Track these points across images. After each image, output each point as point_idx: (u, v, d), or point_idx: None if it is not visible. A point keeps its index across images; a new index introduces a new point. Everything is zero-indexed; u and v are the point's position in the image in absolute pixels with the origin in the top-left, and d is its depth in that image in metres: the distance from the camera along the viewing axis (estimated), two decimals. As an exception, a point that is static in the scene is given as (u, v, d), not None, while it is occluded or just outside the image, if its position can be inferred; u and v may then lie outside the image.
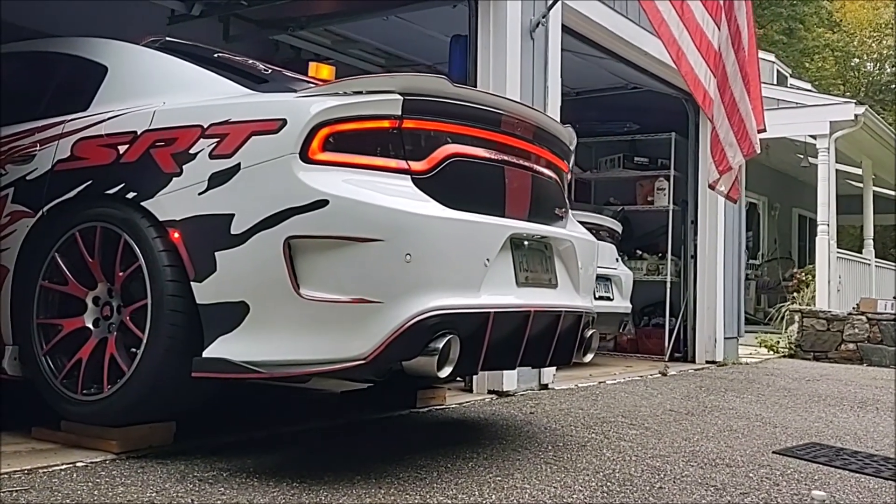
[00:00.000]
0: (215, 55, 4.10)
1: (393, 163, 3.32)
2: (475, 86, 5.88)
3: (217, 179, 3.27)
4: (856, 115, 12.42)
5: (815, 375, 8.61)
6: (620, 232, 8.55)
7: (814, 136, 12.85)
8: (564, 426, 4.82)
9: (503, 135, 3.76)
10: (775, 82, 18.91)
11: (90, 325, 3.58)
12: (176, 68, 3.82)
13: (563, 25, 6.52)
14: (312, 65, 9.29)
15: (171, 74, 3.81)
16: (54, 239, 3.63)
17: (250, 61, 4.10)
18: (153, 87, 3.76)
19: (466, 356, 3.38)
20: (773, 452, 4.50)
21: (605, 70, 8.37)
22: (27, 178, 3.75)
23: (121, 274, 3.48)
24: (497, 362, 3.77)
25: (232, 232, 3.21)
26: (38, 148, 3.76)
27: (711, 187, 5.87)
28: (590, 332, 4.24)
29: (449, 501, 3.19)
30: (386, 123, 3.31)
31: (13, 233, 3.73)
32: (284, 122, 3.22)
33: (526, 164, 3.90)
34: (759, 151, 5.53)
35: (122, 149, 3.51)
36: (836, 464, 4.34)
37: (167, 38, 4.19)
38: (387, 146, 3.32)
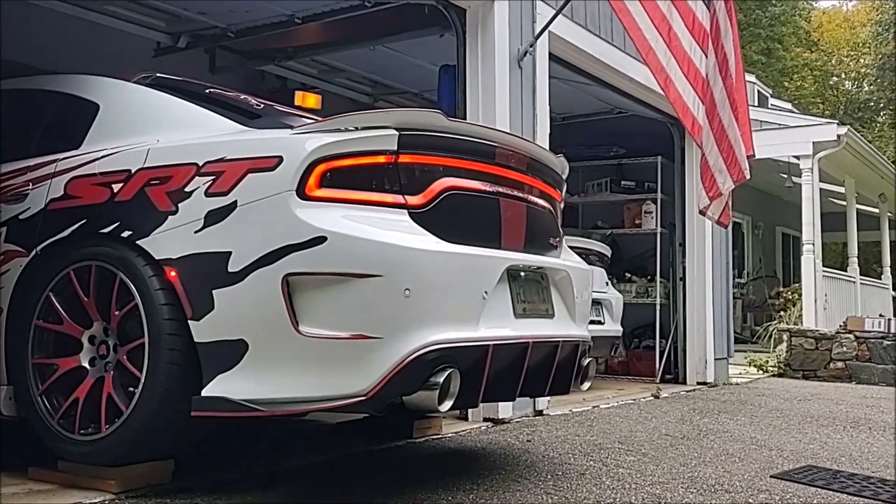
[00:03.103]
0: (207, 91, 4.10)
1: (390, 197, 3.32)
2: (465, 115, 5.92)
3: (213, 217, 3.26)
4: (838, 136, 12.53)
5: (806, 395, 8.63)
6: (609, 255, 8.57)
7: (797, 157, 12.94)
8: (562, 454, 4.80)
9: (497, 167, 3.77)
10: (756, 103, 19.07)
11: (86, 365, 3.55)
12: (168, 105, 3.82)
13: (550, 54, 6.56)
14: (299, 94, 9.30)
15: (163, 111, 3.80)
16: (48, 278, 3.60)
17: (242, 96, 4.10)
18: (146, 125, 3.75)
19: (467, 389, 3.37)
20: (772, 476, 4.50)
21: (591, 96, 8.43)
22: (20, 217, 3.73)
23: (117, 313, 3.46)
24: (497, 394, 3.76)
25: (229, 270, 3.20)
26: (30, 187, 3.74)
27: (702, 213, 5.90)
28: (587, 361, 4.24)
29: (452, 536, 3.18)
30: (382, 159, 3.32)
31: (7, 272, 3.70)
32: (281, 159, 3.22)
33: (520, 195, 3.91)
34: (748, 177, 5.57)
35: (116, 187, 3.50)
36: (834, 487, 4.35)
37: (158, 75, 4.18)
38: (383, 181, 3.33)
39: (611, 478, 4.28)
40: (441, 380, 3.22)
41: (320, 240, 3.12)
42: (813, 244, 12.74)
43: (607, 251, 8.46)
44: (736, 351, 11.31)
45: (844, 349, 10.54)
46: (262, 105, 4.02)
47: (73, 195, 3.61)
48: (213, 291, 3.23)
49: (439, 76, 6.18)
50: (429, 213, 3.39)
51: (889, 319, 10.51)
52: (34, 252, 3.65)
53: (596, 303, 7.89)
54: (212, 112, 3.75)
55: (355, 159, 3.28)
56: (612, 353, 8.45)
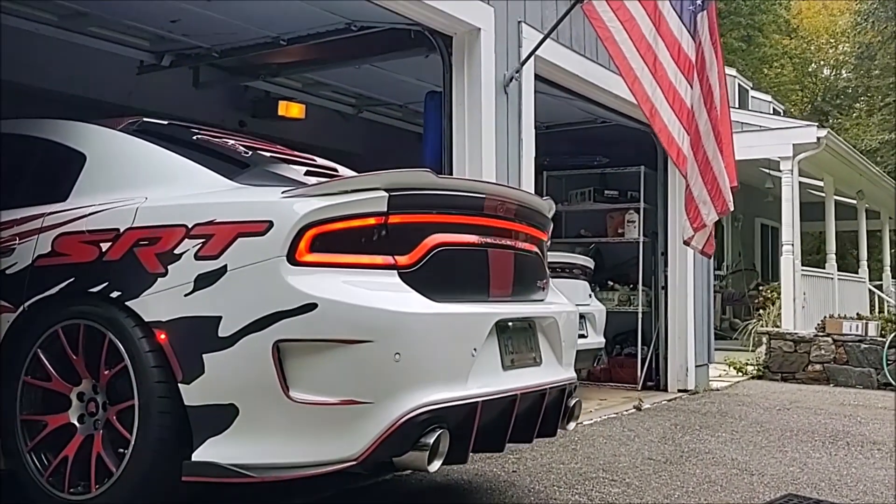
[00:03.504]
0: (193, 137, 4.09)
1: (379, 259, 3.35)
2: (451, 142, 5.95)
3: (203, 281, 3.27)
4: (818, 138, 12.62)
5: (785, 402, 8.74)
6: (593, 267, 8.61)
7: (777, 160, 13.03)
8: (548, 486, 4.85)
9: (486, 217, 3.80)
10: (737, 96, 19.18)
11: (75, 422, 3.55)
12: (155, 158, 3.82)
13: (536, 75, 6.58)
14: (282, 104, 9.31)
15: (150, 165, 3.80)
16: (36, 335, 3.60)
17: (230, 142, 4.09)
18: (133, 179, 3.75)
19: (456, 447, 3.41)
20: (754, 509, 4.58)
21: (574, 107, 8.45)
22: (7, 271, 3.72)
23: (106, 372, 3.46)
24: (485, 446, 3.80)
25: (220, 335, 3.22)
26: (17, 241, 3.73)
27: (686, 243, 5.95)
28: (573, 402, 4.29)
29: None
30: (372, 220, 3.33)
31: (-6, 327, 3.70)
32: (271, 224, 3.23)
33: (508, 242, 3.94)
34: (732, 209, 5.63)
35: (104, 246, 3.49)
36: (816, 520, 4.44)
37: (144, 120, 4.17)
38: (373, 243, 3.35)
39: (596, 515, 4.34)
40: (431, 441, 3.26)
41: (311, 307, 3.14)
42: (792, 245, 12.84)
43: (590, 264, 8.51)
44: (716, 349, 11.43)
45: (822, 352, 10.68)
46: (250, 153, 4.01)
47: (60, 252, 3.61)
48: (204, 355, 3.24)
49: (425, 103, 6.19)
50: (418, 272, 3.41)
51: (866, 323, 10.65)
52: (22, 308, 3.64)
53: (580, 317, 7.94)
54: (199, 165, 3.74)
55: (346, 222, 3.30)
56: (595, 364, 8.52)
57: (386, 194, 3.35)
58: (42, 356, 3.60)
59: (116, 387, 3.45)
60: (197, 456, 3.24)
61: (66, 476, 3.50)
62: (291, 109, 8.80)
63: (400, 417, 3.18)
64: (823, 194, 15.60)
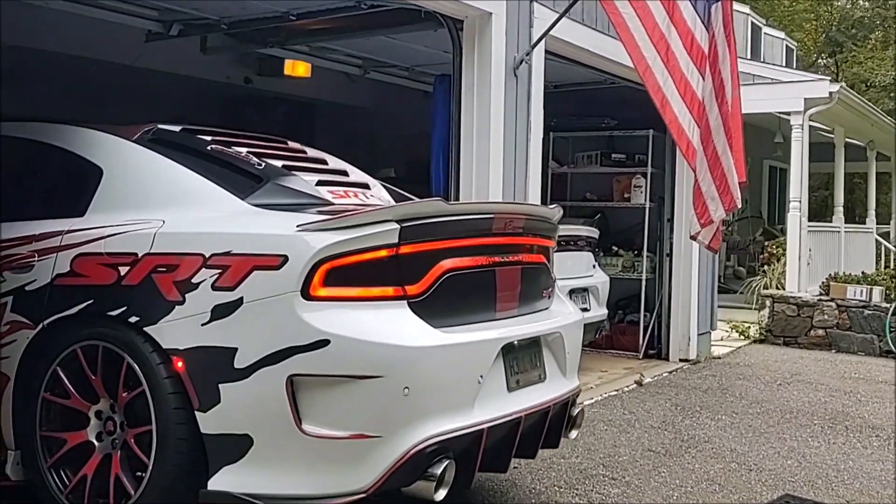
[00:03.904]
0: (208, 148, 4.10)
1: (390, 290, 3.41)
2: (458, 126, 5.94)
3: (220, 312, 3.34)
4: (830, 93, 12.49)
5: (786, 375, 8.85)
6: (598, 237, 8.66)
7: (788, 113, 12.93)
8: (548, 486, 4.98)
9: (494, 236, 3.86)
10: (749, 34, 18.93)
11: (93, 440, 3.66)
12: (172, 176, 3.85)
13: (546, 51, 6.53)
14: (288, 63, 9.27)
15: (167, 183, 3.84)
16: (55, 353, 3.69)
17: (243, 153, 4.11)
18: (150, 198, 3.79)
19: (461, 474, 3.52)
20: (750, 513, 4.72)
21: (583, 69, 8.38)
22: (26, 288, 3.79)
23: (124, 395, 3.55)
24: (489, 468, 3.92)
25: (235, 366, 3.30)
26: (36, 258, 3.79)
27: (693, 238, 5.98)
28: (576, 411, 4.39)
29: None
30: (384, 252, 3.39)
31: (13, 342, 3.78)
32: (286, 258, 3.29)
33: (515, 258, 4.01)
34: (739, 206, 5.64)
35: (123, 270, 3.55)
36: (810, 526, 4.57)
37: (159, 127, 4.18)
38: (384, 274, 3.41)
39: (596, 520, 4.47)
40: (438, 471, 3.38)
41: (323, 343, 3.22)
42: (800, 201, 12.82)
43: (595, 234, 8.55)
44: (720, 306, 11.52)
45: (826, 317, 10.77)
46: (263, 164, 4.04)
47: (79, 273, 3.67)
48: (220, 385, 3.33)
49: (434, 87, 6.17)
50: (427, 300, 3.48)
51: (871, 288, 10.71)
52: (41, 326, 3.72)
53: (583, 290, 8.04)
54: (215, 185, 3.78)
55: (358, 256, 3.35)
56: (597, 335, 8.62)
57: (398, 226, 3.40)
58: (61, 374, 3.69)
59: (135, 409, 3.54)
60: (213, 484, 3.36)
61: (85, 495, 3.61)
62: (297, 68, 8.76)
63: (408, 451, 3.28)
64: (833, 135, 15.51)
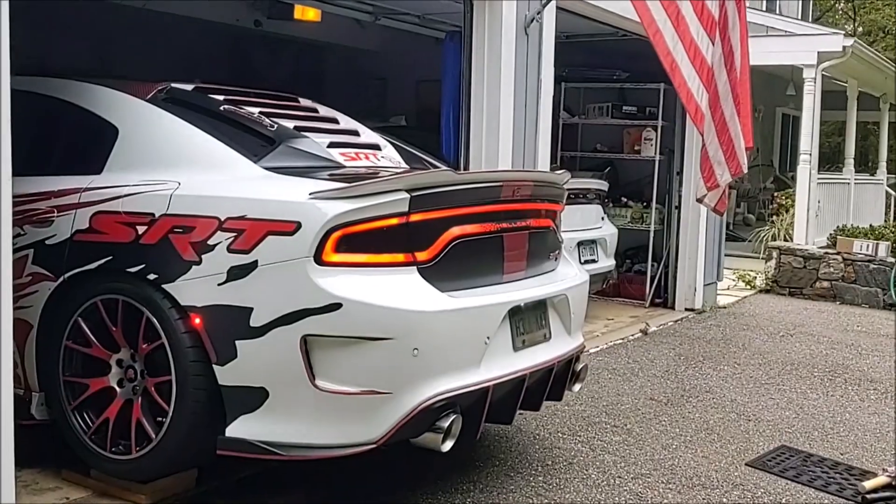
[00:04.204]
0: (220, 108, 4.19)
1: (400, 257, 3.53)
2: (469, 85, 6.00)
3: (235, 273, 3.47)
4: (844, 47, 12.41)
5: (789, 326, 8.98)
6: (607, 189, 8.74)
7: (801, 66, 12.87)
8: (552, 432, 5.16)
9: (502, 203, 3.95)
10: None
11: (115, 386, 3.83)
12: (185, 137, 3.95)
13: (557, 7, 6.55)
14: (298, 7, 9.28)
15: (181, 144, 3.94)
16: (76, 304, 3.84)
17: (255, 113, 4.20)
18: (164, 159, 3.90)
19: (467, 427, 3.68)
20: (746, 465, 4.88)
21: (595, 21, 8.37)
22: (46, 242, 3.92)
23: (144, 346, 3.71)
24: (494, 420, 4.08)
25: (251, 324, 3.44)
26: (55, 214, 3.91)
27: (699, 201, 6.07)
28: (580, 367, 4.53)
29: (451, 561, 3.55)
30: (394, 221, 3.50)
31: (35, 293, 3.92)
32: (299, 225, 3.40)
33: (523, 223, 4.11)
34: (746, 171, 5.70)
35: (140, 229, 3.68)
36: (803, 480, 4.73)
37: (172, 86, 4.27)
38: (394, 242, 3.52)
39: (597, 469, 4.65)
40: (446, 424, 3.54)
41: (336, 306, 3.35)
42: (810, 154, 12.83)
43: (604, 186, 8.63)
44: (727, 254, 11.61)
45: (831, 269, 10.86)
46: (275, 126, 4.13)
47: (98, 230, 3.79)
48: (237, 342, 3.47)
49: (444, 46, 6.20)
50: (436, 266, 3.60)
51: (877, 243, 10.78)
52: (62, 278, 3.86)
53: (591, 241, 8.15)
54: (228, 148, 3.87)
55: (370, 224, 3.46)
56: (604, 285, 8.75)
57: (408, 196, 3.51)
58: (83, 324, 3.84)
59: (154, 360, 3.70)
60: (230, 432, 3.53)
61: (108, 435, 3.79)
62: (307, 13, 8.78)
63: (417, 406, 3.43)
64: (846, 84, 15.42)
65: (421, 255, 3.57)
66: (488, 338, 3.70)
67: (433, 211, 3.60)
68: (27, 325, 3.95)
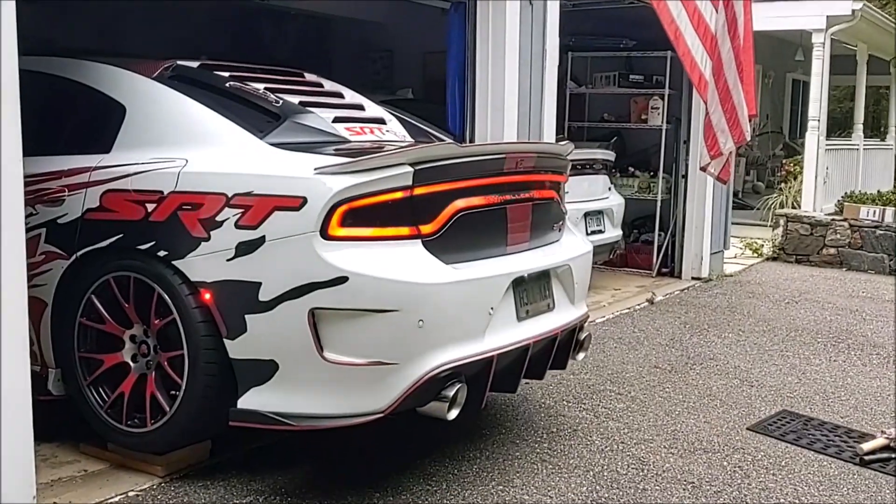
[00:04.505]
0: (226, 85, 4.25)
1: (405, 230, 3.60)
2: (474, 55, 6.04)
3: (243, 249, 3.55)
4: (853, 11, 12.34)
5: (795, 293, 9.04)
6: (613, 159, 8.77)
7: (809, 31, 12.81)
8: (557, 401, 5.26)
9: (505, 175, 4.01)
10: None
11: (129, 361, 3.93)
12: (192, 114, 4.01)
13: (562, -24, 6.57)
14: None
15: (187, 122, 4.00)
16: (89, 282, 3.93)
17: (261, 90, 4.26)
18: (172, 136, 3.96)
19: (472, 396, 3.77)
20: (747, 429, 4.97)
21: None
22: (58, 220, 4.00)
23: (156, 322, 3.80)
24: (499, 389, 4.17)
25: (260, 299, 3.53)
26: (66, 193, 3.99)
27: (703, 170, 6.11)
28: (584, 336, 4.61)
29: (458, 524, 3.66)
30: (399, 194, 3.56)
31: (48, 271, 4.01)
32: (305, 200, 3.47)
33: (527, 195, 4.17)
34: (749, 139, 5.73)
35: (150, 207, 3.76)
36: (803, 443, 4.81)
37: (178, 63, 4.33)
38: (399, 215, 3.59)
39: (600, 435, 4.74)
40: (451, 393, 3.63)
41: (342, 279, 3.43)
42: (818, 120, 12.80)
43: (611, 157, 8.66)
44: (735, 223, 11.63)
45: (838, 236, 10.89)
46: (280, 101, 4.19)
47: (109, 208, 3.88)
48: (246, 316, 3.56)
49: (449, 16, 6.22)
50: (440, 239, 3.67)
51: (883, 209, 10.79)
52: (74, 256, 3.95)
53: (598, 212, 8.21)
54: (234, 124, 3.94)
55: (374, 198, 3.53)
56: (611, 256, 8.81)
57: (411, 169, 3.57)
58: (95, 301, 3.94)
59: (167, 335, 3.80)
60: (242, 403, 3.63)
61: (123, 410, 3.90)
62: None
63: (423, 376, 3.52)
64: (856, 48, 15.34)
65: (425, 228, 3.64)
66: (492, 308, 3.78)
67: (437, 184, 3.67)
68: (42, 303, 4.05)
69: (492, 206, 3.94)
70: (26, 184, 3.85)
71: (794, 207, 12.37)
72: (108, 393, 3.96)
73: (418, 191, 3.60)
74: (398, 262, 3.52)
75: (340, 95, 4.82)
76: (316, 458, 4.27)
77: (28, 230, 3.95)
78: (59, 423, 4.19)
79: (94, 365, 3.98)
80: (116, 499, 3.71)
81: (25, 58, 4.36)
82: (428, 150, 3.69)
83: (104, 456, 4.04)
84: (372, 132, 4.41)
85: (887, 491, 4.25)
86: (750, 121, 5.63)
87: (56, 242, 4.01)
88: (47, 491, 3.70)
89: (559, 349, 4.34)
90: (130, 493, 3.75)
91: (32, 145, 4.05)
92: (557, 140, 6.72)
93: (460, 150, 3.77)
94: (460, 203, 3.76)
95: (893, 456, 4.62)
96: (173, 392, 3.78)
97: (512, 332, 3.93)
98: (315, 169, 3.54)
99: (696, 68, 5.57)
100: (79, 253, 3.94)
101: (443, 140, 4.80)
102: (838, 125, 20.80)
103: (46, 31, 6.42)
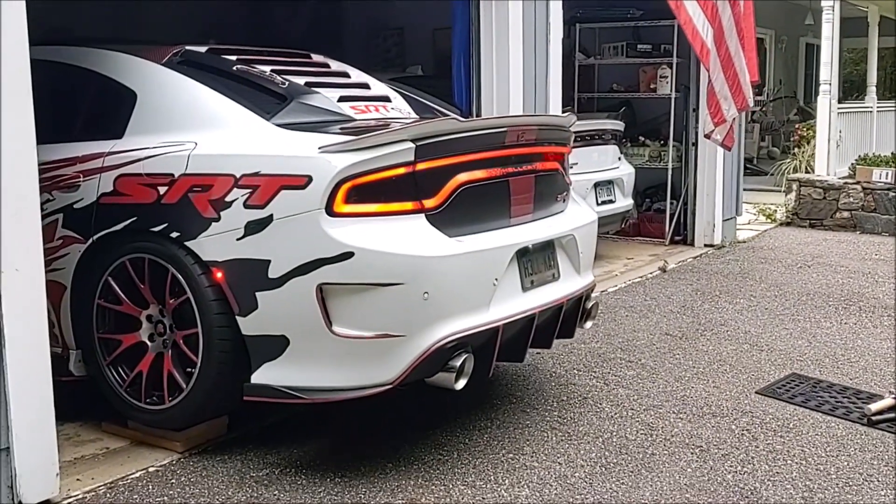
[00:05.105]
0: (233, 68, 4.34)
1: (408, 205, 3.69)
2: (478, 28, 6.09)
3: (252, 228, 3.65)
4: (864, -27, 12.28)
5: (808, 258, 9.06)
6: (623, 129, 8.81)
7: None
8: (568, 369, 5.35)
9: (508, 149, 4.09)
10: None
11: (146, 340, 4.05)
12: (201, 98, 4.10)
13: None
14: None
15: (196, 106, 4.09)
16: (106, 265, 4.05)
17: (267, 72, 4.34)
18: (181, 120, 4.06)
19: (480, 364, 3.87)
20: (756, 393, 5.04)
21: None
22: (74, 206, 4.12)
23: (171, 301, 3.92)
24: (506, 359, 4.26)
25: (269, 276, 3.63)
26: (81, 179, 4.10)
27: (707, 137, 6.14)
28: (591, 304, 4.70)
29: (469, 490, 3.76)
30: (401, 170, 3.65)
31: (66, 255, 4.13)
32: (310, 178, 3.57)
33: (529, 167, 4.24)
34: (751, 105, 5.76)
35: (161, 190, 3.86)
36: (811, 405, 4.88)
37: (186, 49, 4.41)
38: (402, 191, 3.68)
39: (610, 402, 4.83)
40: (458, 364, 3.73)
41: (348, 255, 3.52)
42: (830, 84, 12.75)
43: (620, 127, 8.70)
44: (749, 189, 11.62)
45: (851, 199, 10.88)
46: (286, 83, 4.27)
47: (122, 192, 3.98)
48: (257, 293, 3.67)
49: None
50: (443, 213, 3.76)
51: (896, 171, 10.77)
52: (91, 240, 4.06)
53: (608, 182, 8.26)
54: (241, 107, 4.03)
55: (377, 174, 3.61)
56: (623, 225, 8.87)
57: (413, 145, 3.65)
58: (112, 283, 4.06)
59: (181, 314, 3.91)
60: (255, 378, 3.75)
61: (142, 388, 4.03)
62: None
63: (429, 347, 3.62)
64: (867, 9, 15.21)
65: (428, 203, 3.72)
66: (496, 279, 3.86)
67: (439, 159, 3.75)
68: (61, 286, 4.17)
69: (494, 179, 4.02)
70: (43, 171, 4.00)
71: (807, 172, 12.35)
72: (127, 372, 4.08)
73: (421, 166, 3.69)
74: (402, 236, 3.61)
75: (346, 75, 4.89)
76: (330, 432, 4.39)
77: (46, 216, 4.11)
78: (82, 403, 4.32)
79: (112, 345, 4.11)
80: (137, 474, 3.83)
81: (39, 48, 4.50)
82: (429, 126, 3.76)
83: (125, 434, 4.17)
84: (377, 110, 4.49)
85: (894, 450, 4.32)
86: (753, 87, 5.65)
87: (73, 227, 4.12)
88: (70, 468, 3.84)
89: (566, 318, 4.43)
90: (150, 469, 3.88)
91: (48, 133, 4.20)
92: (564, 112, 6.77)
93: (461, 125, 3.84)
94: (463, 177, 3.83)
95: (901, 415, 4.69)
96: (189, 370, 3.90)
97: (517, 302, 4.01)
98: (319, 148, 3.63)
99: (697, 36, 5.60)
100: (95, 237, 4.05)
101: (447, 115, 4.87)
102: (857, 89, 20.67)
103: (62, 20, 6.54)
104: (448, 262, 3.67)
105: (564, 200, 4.65)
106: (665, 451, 4.22)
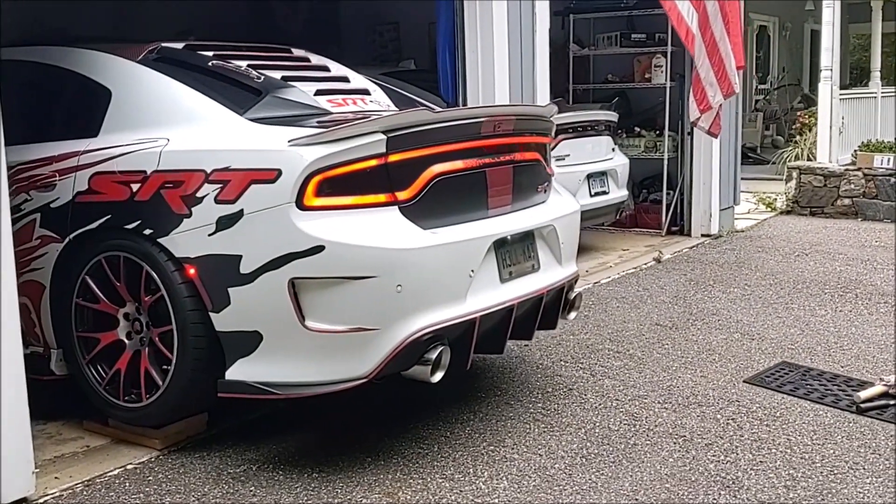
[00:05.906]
0: (209, 63, 4.32)
1: (381, 197, 3.66)
2: (462, 19, 6.06)
3: (223, 223, 3.64)
4: (866, -42, 12.18)
5: (806, 246, 8.99)
6: (616, 120, 8.76)
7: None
8: (555, 361, 5.32)
9: (484, 139, 4.06)
10: None
11: (124, 339, 4.05)
12: (175, 95, 4.09)
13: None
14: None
15: (170, 102, 4.08)
16: (82, 264, 4.04)
17: (243, 67, 4.33)
18: (155, 117, 4.05)
19: (457, 357, 3.85)
20: (744, 381, 5.00)
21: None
22: (51, 205, 4.11)
23: (147, 299, 3.91)
24: (485, 351, 4.23)
25: (241, 271, 3.61)
26: (57, 178, 4.10)
27: (693, 124, 6.09)
28: (573, 295, 4.66)
29: (447, 483, 3.74)
30: (373, 162, 3.63)
31: (45, 255, 4.13)
32: (280, 172, 3.55)
33: (507, 158, 4.21)
34: (737, 91, 5.71)
35: (134, 187, 3.85)
36: (800, 393, 4.84)
37: (162, 45, 4.40)
38: (374, 183, 3.65)
39: (595, 393, 4.80)
40: (434, 356, 3.71)
41: (319, 249, 3.50)
42: (831, 70, 12.65)
43: (613, 117, 8.65)
44: (750, 178, 11.53)
45: (852, 186, 10.80)
46: (262, 77, 4.26)
47: (97, 190, 3.97)
48: (229, 289, 3.65)
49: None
50: (417, 205, 3.73)
51: (898, 157, 10.68)
52: (67, 239, 4.06)
53: (602, 174, 8.22)
54: (215, 102, 4.01)
55: (348, 167, 3.59)
56: (618, 216, 8.82)
57: (384, 136, 3.63)
58: (90, 281, 4.05)
59: (157, 311, 3.90)
60: (229, 375, 3.74)
61: (120, 386, 4.02)
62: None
63: (404, 340, 3.60)
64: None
65: (401, 195, 3.70)
66: (472, 271, 3.84)
67: (412, 150, 3.72)
68: (40, 285, 4.17)
69: (470, 170, 3.99)
70: (19, 171, 4.00)
71: (809, 160, 12.26)
72: (106, 370, 4.08)
73: (393, 158, 3.66)
74: (374, 229, 3.59)
75: (326, 69, 4.87)
76: (312, 427, 4.38)
77: (24, 216, 4.12)
78: (64, 402, 4.32)
79: (91, 343, 4.11)
80: (115, 472, 3.83)
81: (13, 48, 4.50)
82: (401, 117, 3.74)
83: (105, 432, 4.17)
84: (355, 103, 4.47)
85: (882, 437, 4.27)
86: (739, 72, 5.60)
87: (50, 226, 4.12)
88: (49, 466, 3.84)
89: (547, 309, 4.40)
90: (129, 466, 3.88)
91: (26, 133, 4.20)
92: (552, 102, 6.73)
93: (434, 116, 3.81)
94: (437, 168, 3.81)
95: (891, 403, 4.63)
96: (165, 367, 3.89)
97: (495, 294, 3.99)
98: (289, 141, 3.61)
99: (682, 22, 5.56)
100: (71, 235, 4.05)
101: (430, 107, 4.84)
102: (867, 74, 20.51)
103: (62, 20, 6.55)
104: (421, 255, 3.64)
105: (546, 191, 4.61)
106: (647, 442, 4.19)
